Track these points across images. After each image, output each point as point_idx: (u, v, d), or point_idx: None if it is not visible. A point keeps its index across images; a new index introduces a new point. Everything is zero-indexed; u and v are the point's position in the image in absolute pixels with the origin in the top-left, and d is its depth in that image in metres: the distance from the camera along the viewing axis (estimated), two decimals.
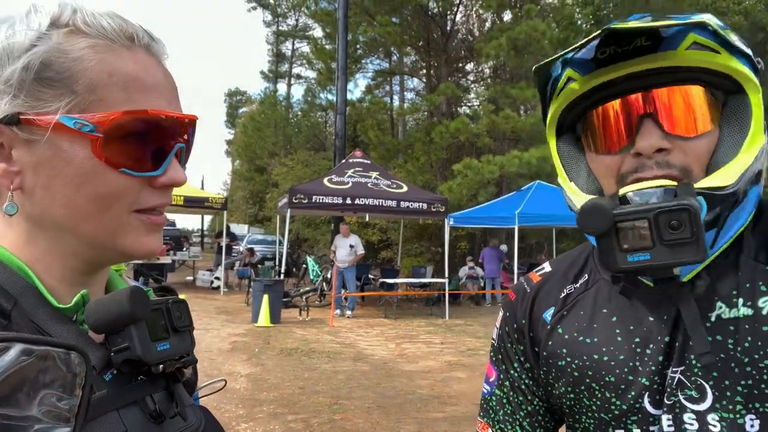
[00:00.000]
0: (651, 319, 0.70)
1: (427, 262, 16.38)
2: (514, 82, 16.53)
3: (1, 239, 0.54)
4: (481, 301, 13.73)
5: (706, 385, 0.65)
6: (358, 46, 19.11)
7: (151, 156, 0.54)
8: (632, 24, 0.64)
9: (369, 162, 12.42)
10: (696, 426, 0.65)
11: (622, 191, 0.66)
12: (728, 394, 0.64)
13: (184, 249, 18.06)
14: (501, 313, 0.89)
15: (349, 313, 10.96)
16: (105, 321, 0.52)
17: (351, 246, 11.13)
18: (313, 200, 10.63)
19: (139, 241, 0.56)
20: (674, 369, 0.68)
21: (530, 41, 14.64)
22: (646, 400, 0.69)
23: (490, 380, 0.89)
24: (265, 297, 9.38)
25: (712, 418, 0.64)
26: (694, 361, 0.66)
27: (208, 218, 32.76)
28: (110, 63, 0.53)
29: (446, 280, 11.89)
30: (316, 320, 10.31)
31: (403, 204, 11.16)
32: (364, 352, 7.61)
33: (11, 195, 0.52)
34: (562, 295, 0.81)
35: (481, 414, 0.90)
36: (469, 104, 20.24)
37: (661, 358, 0.69)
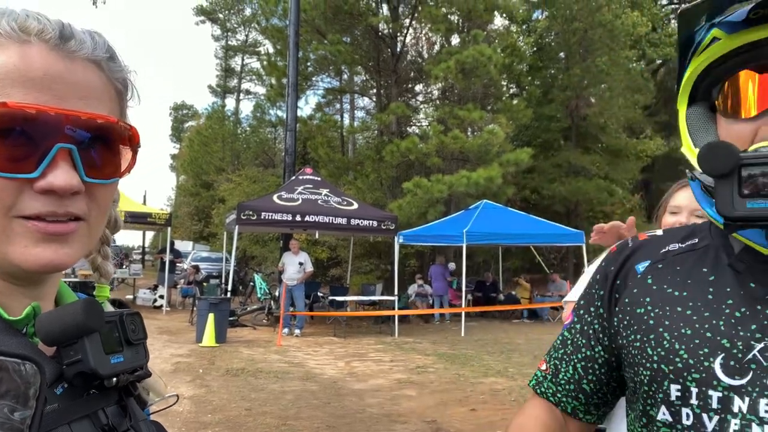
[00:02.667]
0: (752, 285, 0.67)
1: (377, 280, 16.39)
2: (462, 103, 16.96)
3: None
4: (430, 319, 13.84)
5: None
6: (308, 63, 19.13)
7: (17, 156, 0.48)
8: None
9: (319, 179, 12.39)
10: None
11: (752, 147, 0.62)
12: None
13: (124, 267, 17.32)
14: (600, 263, 0.87)
15: (297, 331, 10.79)
16: (58, 333, 0.50)
17: (300, 263, 11.01)
18: (262, 217, 10.48)
19: (27, 251, 0.49)
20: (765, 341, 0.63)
21: (477, 65, 15.10)
22: (717, 361, 0.65)
23: (565, 323, 0.89)
24: (211, 316, 9.11)
25: None
26: None
27: (150, 234, 31.62)
28: None
29: (396, 298, 11.93)
30: (264, 339, 10.09)
31: (354, 221, 11.17)
32: (312, 371, 7.49)
33: None
34: (663, 249, 0.79)
35: (546, 353, 0.91)
36: (419, 124, 20.59)
37: (754, 327, 0.64)
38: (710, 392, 0.64)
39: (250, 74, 38.66)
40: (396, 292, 12.13)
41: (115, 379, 0.53)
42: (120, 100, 0.57)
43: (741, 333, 0.64)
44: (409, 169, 17.10)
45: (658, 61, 23.19)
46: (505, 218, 12.74)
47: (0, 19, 0.50)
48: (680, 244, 0.78)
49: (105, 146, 0.53)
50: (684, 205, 1.96)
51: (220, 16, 39.04)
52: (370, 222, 11.36)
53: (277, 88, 19.25)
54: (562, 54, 21.53)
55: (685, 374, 0.66)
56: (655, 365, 0.70)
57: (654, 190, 22.24)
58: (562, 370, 0.85)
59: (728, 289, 0.68)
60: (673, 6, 27.93)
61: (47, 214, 0.49)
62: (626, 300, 0.77)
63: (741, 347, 0.64)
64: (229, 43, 39.74)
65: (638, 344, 0.73)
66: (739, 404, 0.62)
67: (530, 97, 20.54)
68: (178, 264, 16.09)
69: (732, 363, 0.64)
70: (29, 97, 0.48)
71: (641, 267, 0.78)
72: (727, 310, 0.66)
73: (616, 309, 0.78)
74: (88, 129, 0.51)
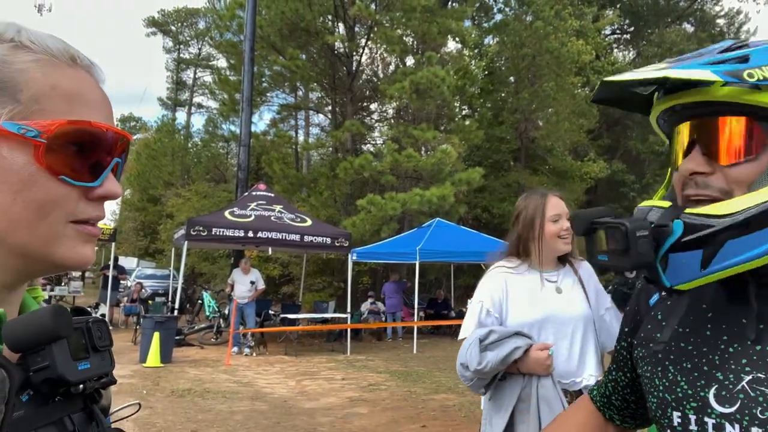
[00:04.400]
0: (744, 321, 0.74)
1: (329, 298, 16.26)
2: (416, 123, 17.24)
3: None
4: (383, 336, 13.82)
5: None
6: (263, 78, 19.02)
7: (89, 168, 0.55)
8: (681, 74, 0.70)
9: (273, 195, 12.28)
10: None
11: (640, 205, 0.78)
12: None
13: (63, 284, 16.50)
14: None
15: (247, 350, 10.55)
16: (25, 339, 0.50)
17: (252, 282, 10.82)
18: (213, 233, 10.26)
19: (74, 250, 0.56)
20: (758, 375, 0.70)
21: (431, 86, 15.41)
22: (711, 392, 0.73)
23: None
24: (156, 334, 8.79)
25: None
26: None
27: None
28: (53, 77, 0.54)
29: (348, 315, 11.87)
30: (212, 359, 9.80)
31: (307, 238, 11.10)
32: (262, 390, 7.34)
33: None
34: None
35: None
36: (373, 142, 20.76)
37: (744, 361, 0.72)
38: (706, 419, 0.73)
39: (203, 88, 38.00)
40: (349, 310, 12.08)
41: (81, 385, 0.53)
42: None
43: (732, 366, 0.73)
44: (363, 186, 17.17)
45: None
46: (457, 236, 12.95)
47: (44, 39, 0.55)
48: None
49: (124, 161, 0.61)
50: (561, 212, 2.16)
51: (173, 28, 38.36)
52: (324, 239, 11.32)
53: (230, 102, 19.00)
54: (511, 78, 22.29)
55: (685, 403, 0.76)
56: (661, 394, 0.80)
57: None
58: (603, 385, 1.05)
59: (723, 326, 0.76)
60: (615, 36, 29.51)
61: (97, 218, 0.56)
62: (642, 335, 0.89)
63: (732, 379, 0.72)
64: (182, 55, 39.04)
65: (649, 375, 0.84)
66: (731, 430, 0.70)
67: (482, 119, 21.11)
68: (122, 281, 15.45)
69: (723, 393, 0.72)
70: (93, 116, 0.55)
71: (653, 301, 0.90)
72: (722, 346, 0.75)
73: (635, 342, 0.91)
74: (126, 147, 0.60)
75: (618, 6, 27.11)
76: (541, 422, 1.88)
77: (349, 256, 11.82)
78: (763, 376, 0.69)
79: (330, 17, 17.64)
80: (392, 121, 20.21)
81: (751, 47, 0.73)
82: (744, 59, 0.70)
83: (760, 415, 0.68)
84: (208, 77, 36.05)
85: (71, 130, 0.53)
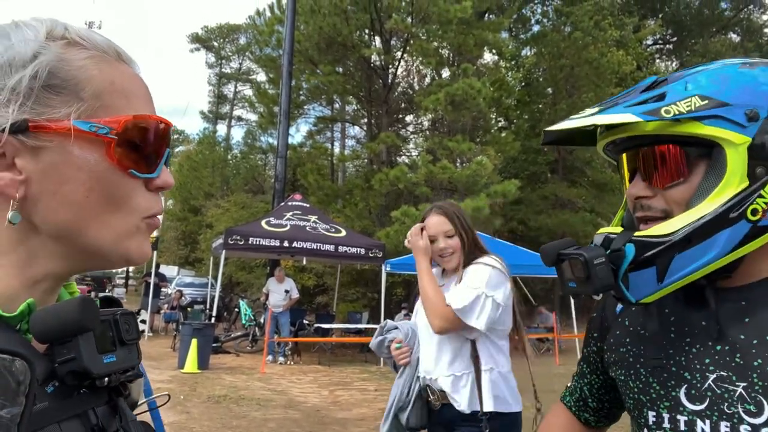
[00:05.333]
0: (703, 323, 0.82)
1: (363, 308, 16.27)
2: (451, 135, 17.19)
3: None
4: None
5: (765, 402, 0.73)
6: (301, 92, 19.34)
7: (147, 159, 0.57)
8: (606, 119, 0.81)
9: (308, 206, 12.42)
10: None
11: (597, 231, 0.87)
12: None
13: (107, 290, 17.07)
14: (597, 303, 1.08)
15: (282, 359, 10.64)
16: (52, 330, 0.51)
17: (286, 291, 10.94)
18: (250, 242, 10.44)
19: (142, 246, 0.58)
20: (721, 374, 0.78)
21: (467, 98, 15.36)
22: (682, 391, 0.81)
23: (580, 353, 1.12)
24: (194, 341, 8.97)
25: (766, 431, 0.73)
26: (755, 379, 0.75)
27: None
28: (109, 73, 0.56)
29: None
30: (247, 366, 9.93)
31: (342, 249, 11.16)
32: (296, 399, 7.38)
33: (14, 204, 0.52)
34: None
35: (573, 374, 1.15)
36: (408, 154, 20.80)
37: (707, 361, 0.79)
38: (678, 417, 0.80)
39: (243, 101, 38.94)
40: (383, 321, 12.06)
41: (106, 379, 0.54)
42: None
43: (698, 366, 0.80)
44: (397, 198, 17.18)
45: None
46: (493, 248, 12.55)
47: (91, 35, 0.57)
48: None
49: None
50: (437, 232, 2.23)
51: (215, 44, 39.54)
52: (358, 249, 11.36)
53: (268, 115, 19.39)
54: (549, 89, 22.02)
55: (659, 403, 0.82)
56: (636, 395, 0.86)
57: None
58: (576, 390, 1.12)
59: (686, 329, 0.84)
60: (657, 47, 28.81)
61: (158, 210, 0.58)
62: (611, 340, 0.95)
63: (699, 378, 0.79)
64: (223, 70, 40.16)
65: (623, 378, 0.90)
66: (702, 426, 0.77)
67: (518, 131, 20.89)
68: (162, 288, 15.87)
69: (693, 392, 0.79)
70: (146, 109, 0.57)
71: (618, 308, 0.97)
72: (686, 348, 0.82)
73: (605, 347, 0.97)
74: (170, 135, 0.61)
75: (660, 16, 26.49)
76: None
77: (383, 267, 11.81)
78: (725, 374, 0.77)
79: (366, 31, 17.85)
80: (427, 132, 20.21)
81: (669, 82, 0.82)
82: (661, 97, 0.79)
83: (726, 410, 0.76)
84: (248, 91, 36.96)
85: (135, 124, 0.55)
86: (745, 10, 27.38)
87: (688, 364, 0.81)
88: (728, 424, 0.75)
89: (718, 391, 0.76)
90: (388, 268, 12.01)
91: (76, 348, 0.52)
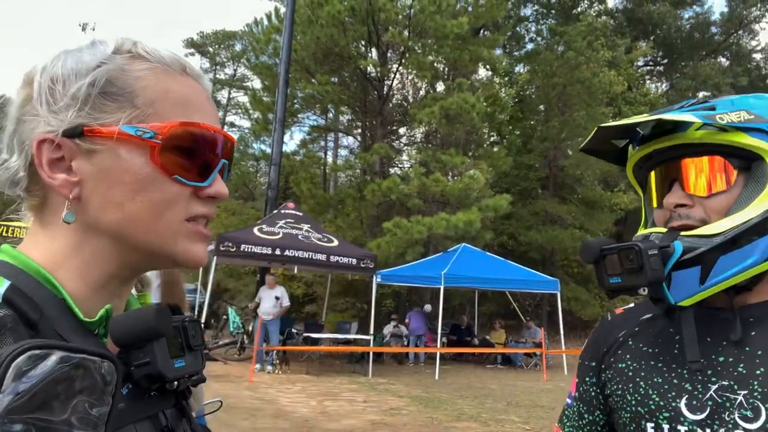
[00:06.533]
0: (708, 339, 0.84)
1: (352, 318, 16.23)
2: (444, 148, 17.32)
3: (36, 251, 0.56)
4: (405, 360, 13.70)
5: (763, 408, 0.76)
6: (295, 100, 19.41)
7: (198, 168, 0.58)
8: (670, 116, 0.83)
9: (301, 214, 12.42)
10: None
11: (638, 233, 0.88)
12: None
13: None
14: (588, 338, 1.05)
15: (270, 368, 10.58)
16: (130, 335, 0.54)
17: (276, 298, 10.89)
18: (242, 249, 10.40)
19: (188, 249, 0.59)
20: (723, 383, 0.79)
21: (461, 112, 15.51)
22: (682, 401, 0.81)
23: (572, 394, 1.05)
24: None
25: None
26: (756, 386, 0.77)
27: None
28: (166, 83, 0.58)
29: (371, 337, 11.82)
30: (235, 375, 9.86)
31: (333, 258, 11.16)
32: (284, 408, 7.34)
33: (69, 204, 0.55)
34: (642, 318, 0.96)
35: (558, 421, 1.07)
36: (401, 166, 20.90)
37: (710, 372, 0.81)
38: (679, 427, 0.80)
39: (236, 107, 38.92)
40: (371, 332, 12.04)
41: (176, 382, 0.57)
42: None
43: (700, 378, 0.81)
44: (389, 209, 17.24)
45: None
46: (483, 262, 12.86)
47: (158, 50, 0.60)
48: (653, 312, 0.95)
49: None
50: None
51: (210, 50, 39.51)
52: (350, 260, 11.37)
53: (262, 122, 19.41)
54: (541, 107, 22.29)
55: (658, 414, 0.83)
56: (633, 408, 0.86)
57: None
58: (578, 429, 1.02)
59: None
60: (648, 68, 29.31)
61: (209, 215, 0.59)
62: (611, 360, 0.94)
63: (700, 389, 0.80)
64: (217, 76, 40.11)
65: (620, 392, 0.89)
66: None
67: (510, 146, 21.09)
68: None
69: (694, 402, 0.80)
70: (203, 120, 0.59)
71: (621, 334, 0.97)
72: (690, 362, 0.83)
73: (603, 366, 0.96)
74: (232, 149, 0.63)
75: (652, 38, 26.99)
76: None
77: (374, 277, 11.82)
78: (726, 383, 0.79)
79: (363, 43, 17.99)
80: (421, 145, 20.33)
81: (716, 100, 0.86)
82: (711, 108, 0.83)
83: (726, 418, 0.77)
84: (242, 97, 36.94)
85: (183, 131, 0.57)
86: (735, 35, 28.00)
87: (690, 376, 0.82)
88: (724, 431, 0.77)
89: (719, 400, 0.78)
90: (378, 279, 12.03)
91: (151, 353, 0.54)
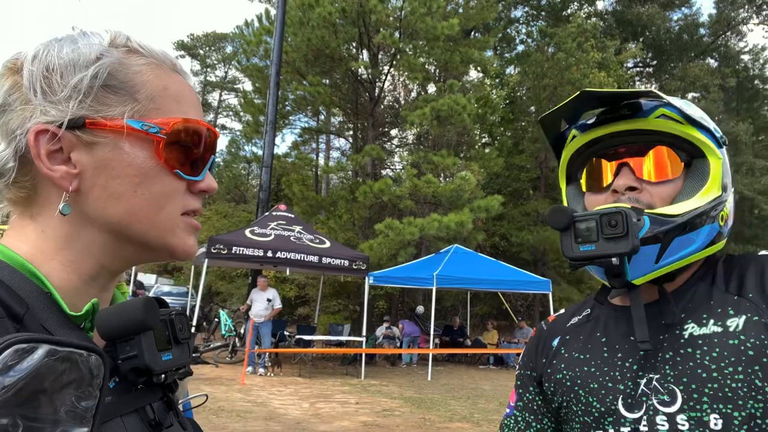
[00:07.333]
0: (632, 338, 0.85)
1: (345, 320, 16.22)
2: (436, 149, 17.36)
3: (24, 244, 0.56)
4: (397, 362, 13.69)
5: (677, 390, 0.77)
6: (287, 102, 19.38)
7: (192, 163, 0.60)
8: (620, 90, 0.86)
9: (293, 216, 12.38)
10: (666, 426, 0.77)
11: (594, 209, 0.84)
12: (695, 396, 0.76)
13: None
14: (525, 348, 1.05)
15: (261, 370, 10.54)
16: (117, 328, 0.53)
17: (268, 300, 10.85)
18: (233, 251, 10.36)
19: (184, 241, 0.60)
20: (650, 376, 0.81)
21: (452, 113, 15.56)
22: (620, 403, 0.82)
23: (511, 403, 1.03)
24: None
25: (681, 418, 0.76)
26: (668, 370, 0.79)
27: None
28: (164, 79, 0.60)
29: (363, 339, 11.80)
30: (227, 378, 9.81)
31: (325, 260, 11.14)
32: (276, 411, 7.31)
33: (67, 196, 0.55)
34: (568, 324, 0.98)
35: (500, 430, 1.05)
36: (393, 167, 20.92)
37: (636, 368, 0.83)
38: (622, 429, 0.81)
39: (227, 110, 38.85)
40: (364, 333, 12.02)
41: (163, 375, 0.57)
42: None
43: (629, 375, 0.83)
44: (381, 210, 17.24)
45: None
46: (475, 263, 12.89)
47: (149, 46, 0.61)
48: (578, 317, 0.98)
49: None
50: None
51: (201, 52, 39.40)
52: (342, 261, 11.35)
53: (253, 124, 19.36)
54: (532, 108, 22.39)
55: (602, 420, 0.84)
56: (581, 418, 0.87)
57: None
58: None
59: (617, 346, 0.87)
60: (637, 69, 29.53)
61: (199, 211, 0.61)
62: (549, 370, 0.95)
63: (631, 386, 0.82)
64: (208, 78, 40.00)
65: (566, 404, 0.90)
66: (644, 429, 0.79)
67: (502, 147, 21.17)
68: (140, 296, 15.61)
69: (629, 401, 0.81)
70: (196, 116, 0.60)
71: (555, 342, 0.97)
72: (619, 363, 0.85)
73: (544, 379, 0.96)
74: (216, 144, 0.65)
75: (641, 40, 27.21)
76: None
77: (366, 279, 11.81)
78: (653, 375, 0.81)
79: (354, 44, 18.00)
80: (412, 146, 20.36)
81: (669, 98, 0.88)
82: (668, 103, 0.85)
83: (647, 405, 0.79)
84: (232, 100, 36.90)
85: (185, 127, 0.59)
86: (723, 36, 28.29)
87: (621, 377, 0.83)
88: (645, 419, 0.79)
89: (649, 392, 0.80)
90: (371, 281, 12.02)
91: (139, 346, 0.54)
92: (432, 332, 13.01)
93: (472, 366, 14.07)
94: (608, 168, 0.88)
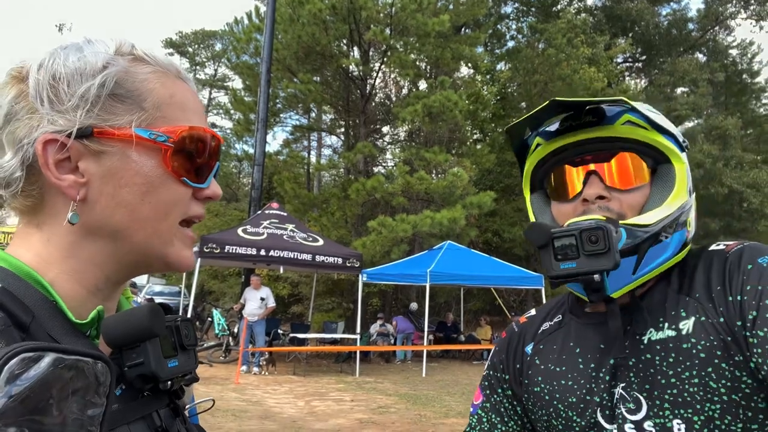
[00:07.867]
0: (602, 346, 0.85)
1: (339, 318, 16.22)
2: (428, 146, 17.37)
3: (28, 253, 0.56)
4: (392, 359, 13.72)
5: (641, 397, 0.77)
6: (278, 100, 19.30)
7: (198, 170, 0.60)
8: (583, 99, 0.84)
9: (285, 214, 12.35)
10: None
11: (566, 222, 0.83)
12: (658, 402, 0.76)
13: None
14: (494, 348, 1.03)
15: (256, 369, 10.52)
16: (123, 335, 0.53)
17: (262, 299, 10.82)
18: (226, 250, 10.32)
19: (182, 253, 0.60)
20: (619, 385, 0.81)
21: (443, 110, 15.56)
22: (599, 415, 0.82)
23: (476, 403, 1.01)
24: None
25: (647, 425, 0.76)
26: (632, 377, 0.79)
27: None
28: (170, 87, 0.60)
29: (357, 336, 11.81)
30: (221, 377, 9.78)
31: (319, 258, 11.12)
32: (272, 409, 7.31)
33: (74, 205, 0.55)
34: (540, 330, 0.96)
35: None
36: (385, 164, 20.89)
37: (608, 378, 0.82)
38: None
39: (217, 108, 38.57)
40: (358, 331, 12.03)
41: (169, 382, 0.57)
42: None
43: (603, 386, 0.82)
44: (374, 207, 17.23)
45: None
46: (468, 259, 12.92)
47: (154, 53, 0.60)
48: (549, 322, 0.96)
49: None
50: None
51: (190, 49, 39.11)
52: (335, 259, 11.34)
53: (244, 122, 19.27)
54: (523, 104, 22.45)
55: None
56: None
57: None
58: None
59: (589, 356, 0.86)
60: (627, 64, 29.68)
61: (201, 216, 0.61)
62: (526, 382, 0.93)
63: (607, 398, 0.82)
64: (198, 76, 39.71)
65: (545, 418, 0.89)
66: None
67: (493, 143, 21.21)
68: (133, 296, 15.52)
69: (607, 412, 0.81)
70: (201, 124, 0.60)
71: (529, 349, 0.96)
72: (593, 374, 0.84)
73: (523, 389, 0.94)
74: (220, 150, 0.65)
75: (630, 35, 27.34)
76: None
77: (360, 276, 11.81)
78: (624, 383, 0.80)
79: (345, 41, 17.96)
80: (404, 143, 20.35)
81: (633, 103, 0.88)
82: (632, 108, 0.85)
83: (617, 414, 0.79)
84: (222, 98, 36.66)
85: (191, 135, 0.59)
86: (712, 31, 28.49)
87: (597, 389, 0.83)
88: (615, 428, 0.79)
89: (618, 401, 0.80)
90: (364, 278, 12.02)
91: (145, 353, 0.54)
92: (426, 329, 13.04)
93: (466, 362, 14.12)
94: (575, 176, 0.86)
